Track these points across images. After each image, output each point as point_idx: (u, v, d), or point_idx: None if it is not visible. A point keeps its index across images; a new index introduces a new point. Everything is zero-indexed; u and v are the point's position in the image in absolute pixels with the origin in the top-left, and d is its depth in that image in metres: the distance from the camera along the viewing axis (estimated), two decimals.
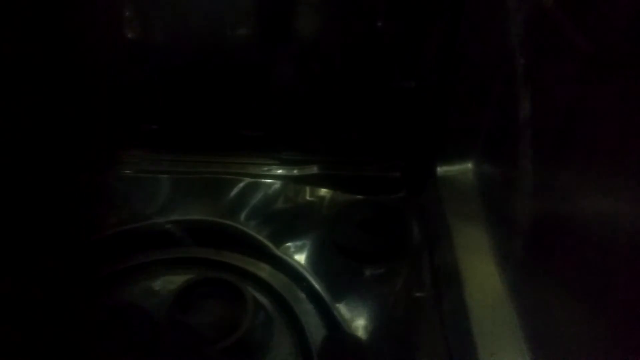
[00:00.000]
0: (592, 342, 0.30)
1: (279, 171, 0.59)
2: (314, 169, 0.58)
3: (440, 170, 0.52)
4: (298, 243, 0.52)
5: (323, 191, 0.58)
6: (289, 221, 0.55)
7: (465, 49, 0.45)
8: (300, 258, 0.51)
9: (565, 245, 0.34)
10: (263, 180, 0.58)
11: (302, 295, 0.49)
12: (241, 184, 0.57)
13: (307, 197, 0.58)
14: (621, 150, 0.29)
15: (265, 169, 0.59)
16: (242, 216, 0.55)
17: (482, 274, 0.42)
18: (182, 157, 0.59)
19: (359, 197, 0.58)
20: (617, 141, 0.29)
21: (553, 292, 0.35)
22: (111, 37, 0.51)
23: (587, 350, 0.30)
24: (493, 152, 0.48)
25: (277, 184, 0.58)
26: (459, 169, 0.52)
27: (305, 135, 0.58)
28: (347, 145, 0.58)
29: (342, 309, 0.46)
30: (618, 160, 0.29)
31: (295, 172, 0.59)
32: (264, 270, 0.51)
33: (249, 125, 0.57)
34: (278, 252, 0.51)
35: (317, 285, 0.48)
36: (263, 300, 0.49)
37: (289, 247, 0.52)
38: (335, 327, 0.46)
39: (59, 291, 0.47)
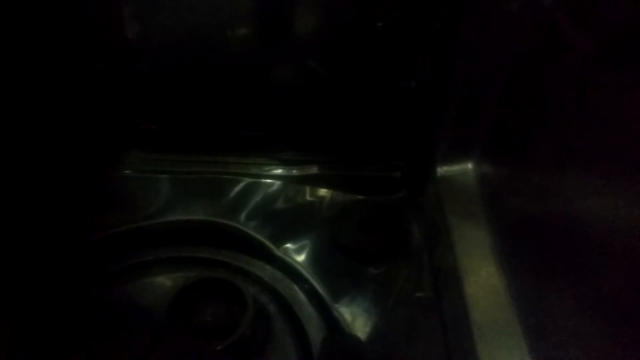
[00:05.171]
0: (592, 342, 0.30)
1: (279, 171, 0.59)
2: (314, 169, 0.58)
3: (440, 170, 0.52)
4: (298, 243, 0.52)
5: (323, 191, 0.58)
6: (289, 221, 0.55)
7: (465, 49, 0.45)
8: (300, 258, 0.51)
9: (565, 245, 0.34)
10: (263, 180, 0.58)
11: (302, 295, 0.49)
12: (241, 184, 0.57)
13: (307, 197, 0.58)
14: (621, 149, 0.29)
15: (266, 169, 0.59)
16: (242, 216, 0.55)
17: (482, 274, 0.42)
18: (182, 157, 0.59)
19: (359, 197, 0.58)
20: (617, 141, 0.29)
21: (553, 292, 0.35)
22: (112, 37, 0.51)
23: (587, 349, 0.30)
24: (493, 152, 0.48)
25: (277, 184, 0.58)
26: (459, 169, 0.52)
27: (306, 135, 0.58)
28: (347, 145, 0.58)
29: (342, 309, 0.46)
30: (618, 160, 0.29)
31: (295, 172, 0.59)
32: (264, 271, 0.51)
33: (249, 125, 0.57)
34: (278, 252, 0.51)
35: (317, 285, 0.48)
36: (263, 300, 0.49)
37: (289, 247, 0.52)
38: (335, 327, 0.46)
39: (59, 291, 0.47)
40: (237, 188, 0.57)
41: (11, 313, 0.43)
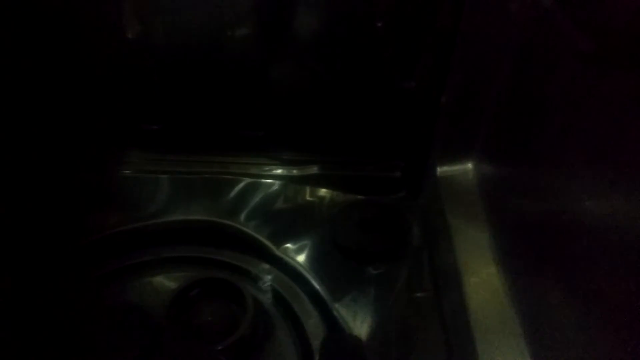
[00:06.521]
0: (592, 342, 0.30)
1: (279, 171, 0.59)
2: (314, 169, 0.58)
3: (440, 170, 0.52)
4: (298, 243, 0.52)
5: (323, 191, 0.58)
6: (289, 221, 0.55)
7: (465, 49, 0.45)
8: (300, 258, 0.51)
9: (565, 245, 0.34)
10: (263, 180, 0.58)
11: (302, 295, 0.49)
12: (241, 184, 0.57)
13: (307, 197, 0.58)
14: (621, 150, 0.29)
15: (266, 169, 0.59)
16: (242, 216, 0.55)
17: (482, 274, 0.42)
18: (182, 157, 0.59)
19: (359, 197, 0.58)
20: (617, 141, 0.29)
21: (553, 292, 0.35)
22: (112, 37, 0.51)
23: (587, 350, 0.30)
24: (493, 152, 0.48)
25: (277, 184, 0.58)
26: (459, 169, 0.52)
27: (306, 135, 0.58)
28: (347, 145, 0.58)
29: (342, 309, 0.46)
30: (617, 160, 0.29)
31: (295, 172, 0.59)
32: (264, 270, 0.51)
33: (249, 125, 0.57)
34: (278, 252, 0.51)
35: (317, 285, 0.48)
36: (263, 300, 0.49)
37: (289, 247, 0.52)
38: (335, 327, 0.46)
39: (59, 291, 0.47)
40: (237, 188, 0.57)
41: (11, 313, 0.43)
